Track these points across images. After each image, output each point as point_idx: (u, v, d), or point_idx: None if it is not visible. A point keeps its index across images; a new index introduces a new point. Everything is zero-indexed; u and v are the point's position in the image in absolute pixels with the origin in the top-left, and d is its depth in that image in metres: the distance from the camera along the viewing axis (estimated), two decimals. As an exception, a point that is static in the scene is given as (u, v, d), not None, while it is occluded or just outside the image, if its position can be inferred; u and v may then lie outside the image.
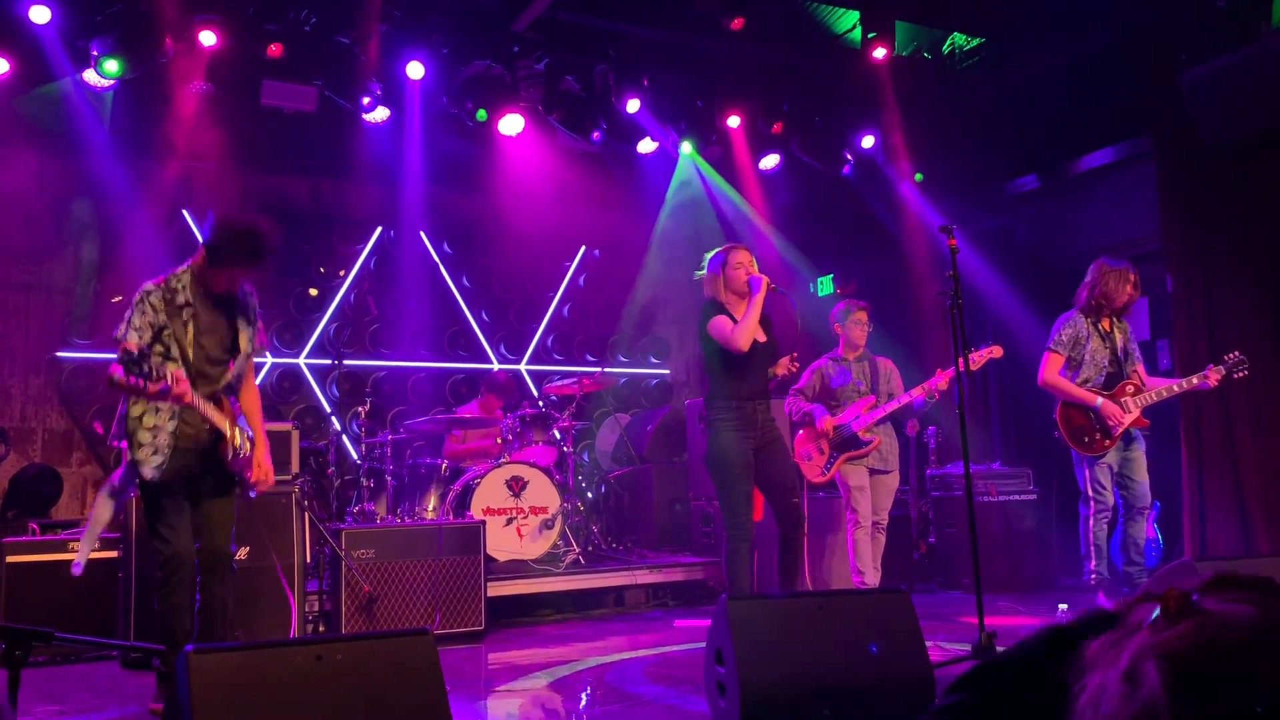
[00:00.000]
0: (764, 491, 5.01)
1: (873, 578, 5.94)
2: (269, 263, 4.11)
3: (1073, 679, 0.95)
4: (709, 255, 5.16)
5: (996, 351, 5.83)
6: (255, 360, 4.46)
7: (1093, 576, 5.64)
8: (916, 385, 5.95)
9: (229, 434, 4.01)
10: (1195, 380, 5.59)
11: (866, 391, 6.06)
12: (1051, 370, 5.70)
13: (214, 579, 4.09)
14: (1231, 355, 5.60)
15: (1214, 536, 6.45)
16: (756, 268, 5.06)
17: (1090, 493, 5.64)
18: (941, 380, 5.86)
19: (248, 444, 4.10)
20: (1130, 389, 5.61)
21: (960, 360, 4.35)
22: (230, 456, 4.02)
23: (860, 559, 5.94)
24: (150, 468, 3.94)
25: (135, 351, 3.61)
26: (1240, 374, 5.60)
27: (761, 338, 5.01)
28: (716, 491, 5.03)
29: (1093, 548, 5.62)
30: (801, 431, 6.18)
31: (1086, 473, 5.67)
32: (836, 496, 6.53)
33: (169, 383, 3.66)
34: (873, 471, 6.06)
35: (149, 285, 3.99)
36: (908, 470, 7.31)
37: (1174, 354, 6.89)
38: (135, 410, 3.97)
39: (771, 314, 5.10)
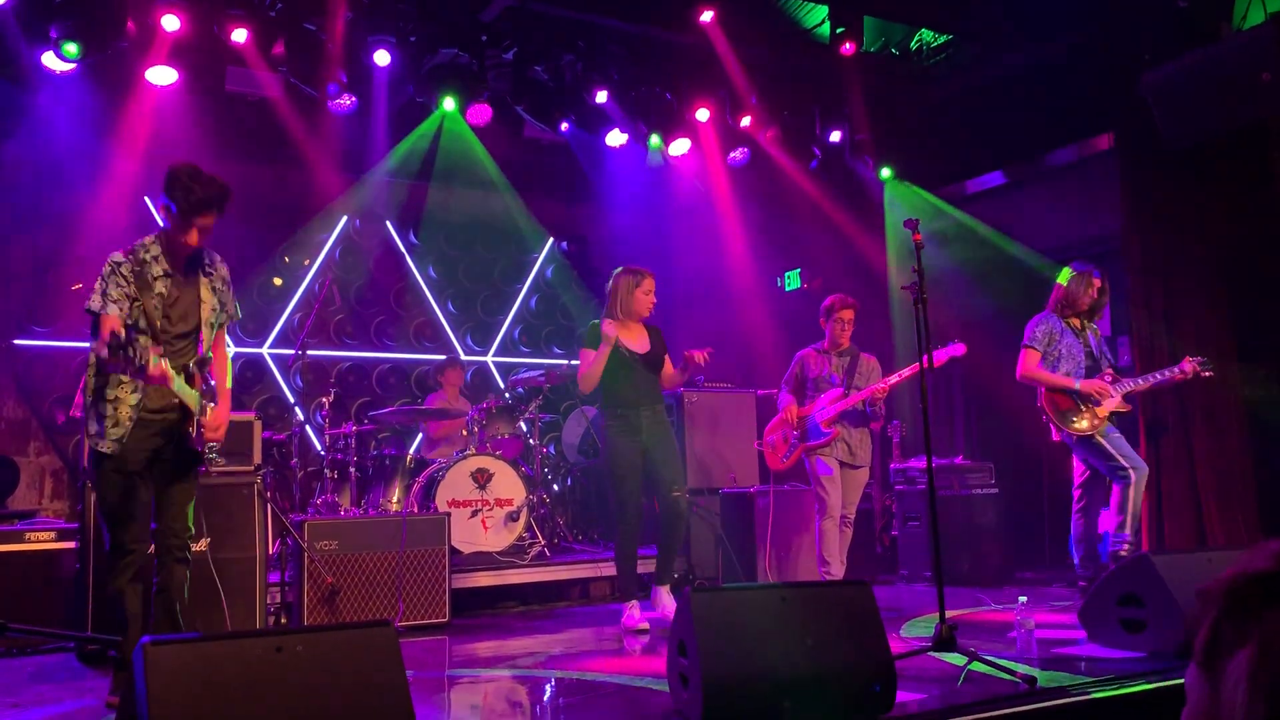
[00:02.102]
0: (650, 487, 5.52)
1: (838, 570, 5.96)
2: (226, 206, 3.99)
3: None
4: (617, 271, 5.67)
5: (959, 349, 5.88)
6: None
7: (1124, 547, 5.58)
8: (869, 387, 5.96)
9: (196, 412, 3.95)
10: (1171, 373, 5.71)
11: (839, 384, 6.06)
12: (1029, 364, 5.85)
13: (171, 559, 4.02)
14: (1200, 359, 5.71)
15: (1171, 531, 6.54)
16: (652, 299, 5.61)
17: (1122, 462, 5.62)
18: (881, 389, 5.90)
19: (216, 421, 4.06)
20: (1108, 377, 5.78)
21: (924, 356, 4.37)
22: (196, 434, 3.96)
23: (827, 550, 5.95)
24: (110, 440, 3.87)
25: (121, 335, 3.52)
26: (1206, 374, 5.73)
27: (645, 347, 5.55)
28: (608, 486, 5.58)
29: (1129, 516, 5.57)
30: (773, 419, 6.23)
31: (1106, 446, 5.67)
32: (803, 490, 6.56)
33: (150, 368, 3.60)
34: (844, 465, 6.03)
35: (117, 256, 3.95)
36: (875, 465, 7.35)
37: (1134, 351, 6.98)
38: (95, 382, 3.92)
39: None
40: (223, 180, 3.95)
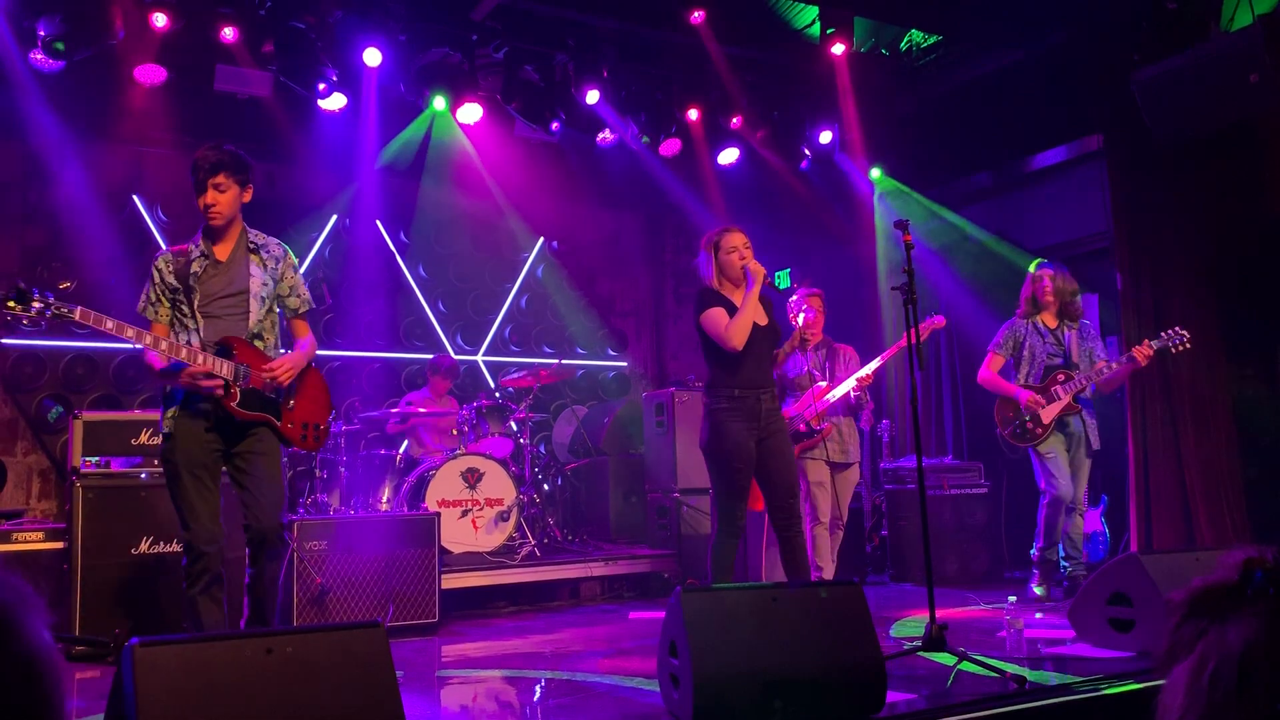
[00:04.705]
0: (761, 486, 4.82)
1: (829, 571, 5.96)
2: (230, 171, 4.05)
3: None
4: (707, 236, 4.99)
5: (939, 321, 6.02)
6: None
7: (1034, 554, 6.01)
8: (855, 378, 5.98)
9: (233, 380, 3.91)
10: (1122, 361, 5.86)
11: (820, 380, 6.03)
12: (988, 369, 6.16)
13: (263, 555, 3.99)
14: (1171, 331, 5.80)
15: (1159, 531, 6.56)
16: (751, 251, 4.79)
17: (1042, 483, 5.98)
18: (867, 377, 5.95)
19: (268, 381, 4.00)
20: (1061, 377, 5.96)
21: (915, 356, 4.37)
22: (235, 403, 3.91)
23: (819, 555, 5.93)
24: (167, 418, 3.94)
25: (18, 287, 3.63)
26: (1179, 349, 5.79)
27: (762, 321, 4.77)
28: (712, 481, 4.86)
29: (1042, 530, 5.97)
30: None
31: (1036, 463, 6.00)
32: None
33: (77, 317, 3.64)
34: (834, 466, 6.00)
35: (162, 252, 4.11)
36: (864, 464, 7.36)
37: (1122, 351, 7.02)
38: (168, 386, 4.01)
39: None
40: (207, 149, 4.04)
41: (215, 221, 4.02)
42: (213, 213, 4.00)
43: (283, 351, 4.26)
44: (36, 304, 3.62)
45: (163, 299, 3.98)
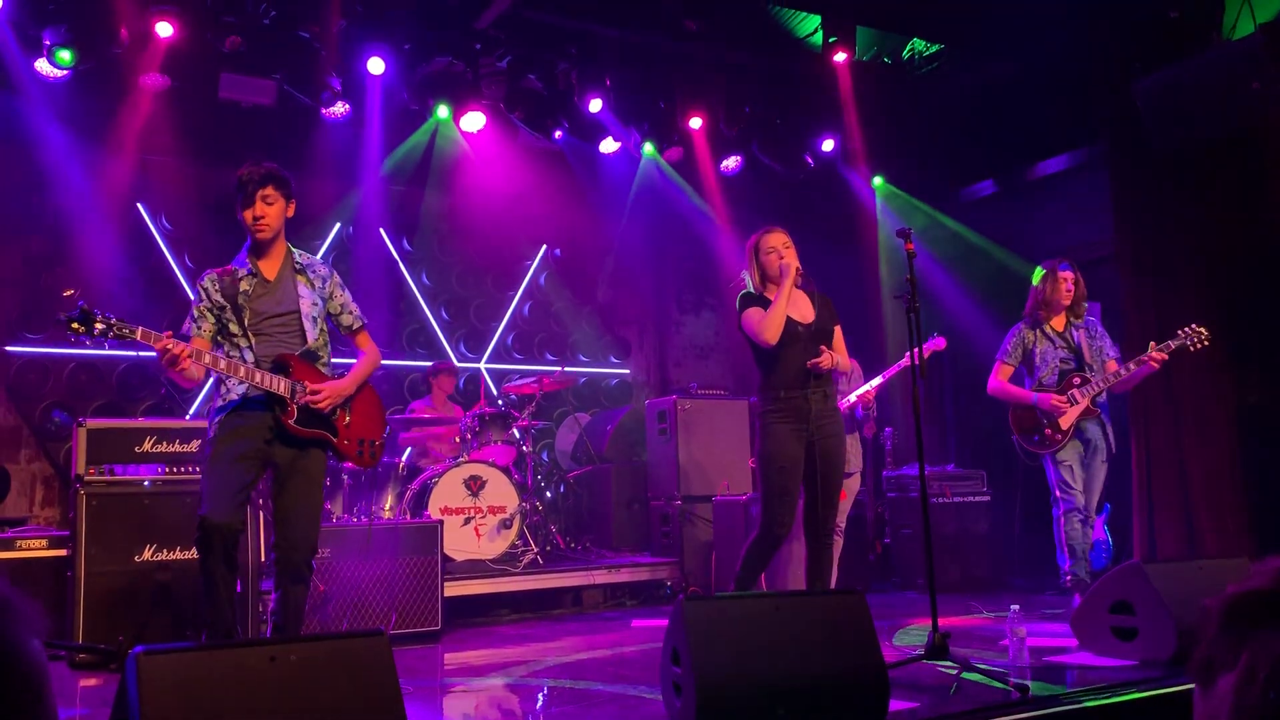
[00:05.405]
0: (804, 490, 4.69)
1: (832, 580, 5.94)
2: (278, 184, 4.10)
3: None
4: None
5: (940, 343, 5.96)
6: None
7: (1067, 578, 5.66)
8: (855, 394, 6.00)
9: (288, 397, 3.90)
10: (1134, 366, 5.58)
11: None
12: (997, 379, 5.89)
13: (287, 579, 3.98)
14: (1188, 329, 5.54)
15: (1162, 539, 6.56)
16: (793, 251, 4.76)
17: (1058, 492, 5.70)
18: (870, 394, 5.95)
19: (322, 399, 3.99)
20: (1077, 381, 5.69)
21: (917, 365, 4.37)
22: (292, 420, 3.92)
23: None
24: (215, 425, 3.92)
25: (81, 309, 3.64)
26: (1197, 346, 5.53)
27: (809, 317, 4.72)
28: (760, 485, 4.75)
29: (1065, 548, 5.66)
30: None
31: (1052, 471, 5.73)
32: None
33: (139, 337, 3.66)
34: None
35: (208, 272, 4.09)
36: (868, 473, 7.35)
37: (1125, 355, 7.02)
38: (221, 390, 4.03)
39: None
40: (246, 169, 4.10)
41: (262, 235, 4.04)
42: (260, 225, 4.02)
43: (338, 364, 4.32)
44: (99, 325, 3.64)
45: (207, 315, 4.00)
